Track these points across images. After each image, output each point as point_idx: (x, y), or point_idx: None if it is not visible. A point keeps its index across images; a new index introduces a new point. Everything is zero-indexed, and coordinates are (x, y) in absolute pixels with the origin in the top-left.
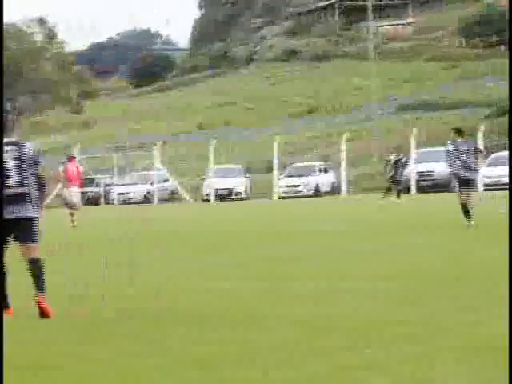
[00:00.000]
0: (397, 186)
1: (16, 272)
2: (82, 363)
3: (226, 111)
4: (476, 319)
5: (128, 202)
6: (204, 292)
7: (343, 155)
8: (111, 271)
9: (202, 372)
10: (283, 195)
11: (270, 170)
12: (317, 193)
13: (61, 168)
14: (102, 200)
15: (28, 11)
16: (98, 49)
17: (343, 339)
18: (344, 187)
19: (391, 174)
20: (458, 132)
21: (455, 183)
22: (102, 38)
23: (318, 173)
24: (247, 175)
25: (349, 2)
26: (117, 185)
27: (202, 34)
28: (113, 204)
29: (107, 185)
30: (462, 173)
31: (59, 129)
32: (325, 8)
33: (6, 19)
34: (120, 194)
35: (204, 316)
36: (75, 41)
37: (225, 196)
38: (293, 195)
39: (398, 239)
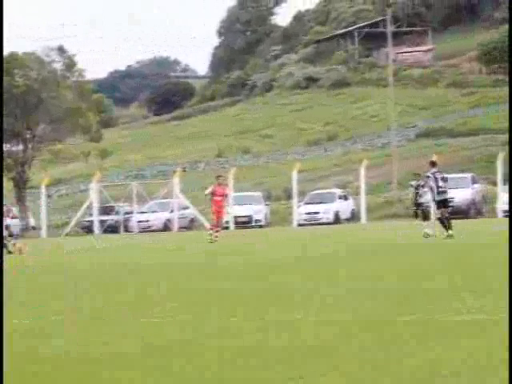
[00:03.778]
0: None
1: None
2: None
3: (245, 138)
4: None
5: (148, 230)
6: None
7: (362, 182)
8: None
9: None
10: (303, 222)
11: (289, 197)
12: (336, 220)
13: None
14: (121, 228)
15: (48, 40)
16: (117, 77)
17: None
18: (363, 214)
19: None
20: (433, 164)
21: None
22: (122, 65)
23: (337, 200)
24: (266, 202)
25: (368, 29)
26: (136, 212)
27: (222, 61)
28: (132, 232)
29: (127, 213)
30: (437, 197)
31: (79, 157)
32: (344, 35)
33: (26, 49)
34: (140, 221)
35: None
36: (95, 69)
37: (244, 223)
38: (313, 222)
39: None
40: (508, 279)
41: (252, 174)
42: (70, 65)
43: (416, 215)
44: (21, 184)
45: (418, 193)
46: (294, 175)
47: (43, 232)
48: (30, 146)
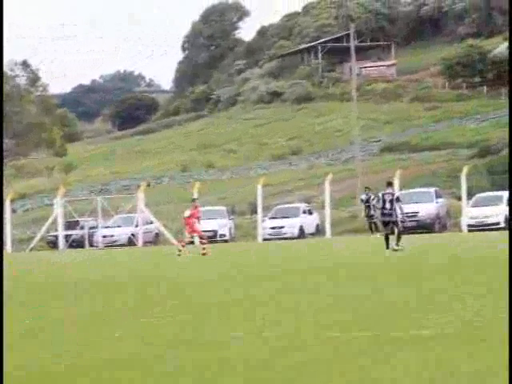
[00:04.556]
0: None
1: None
2: None
3: (210, 153)
4: None
5: (112, 245)
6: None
7: (327, 196)
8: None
9: None
10: (268, 237)
11: (253, 211)
12: (301, 234)
13: None
14: (86, 243)
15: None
16: (81, 91)
17: None
18: (328, 229)
19: (367, 212)
20: (389, 184)
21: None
22: (86, 80)
23: (302, 214)
24: (231, 217)
25: (331, 44)
26: (101, 227)
27: (185, 75)
28: (97, 247)
29: (91, 227)
30: (381, 218)
31: (43, 171)
32: (307, 50)
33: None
34: (104, 236)
35: None
36: (58, 83)
37: (209, 238)
38: (277, 237)
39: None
40: (508, 280)
41: (216, 189)
42: (34, 79)
43: (370, 228)
44: None
45: (368, 205)
46: (259, 189)
47: (8, 247)
48: None
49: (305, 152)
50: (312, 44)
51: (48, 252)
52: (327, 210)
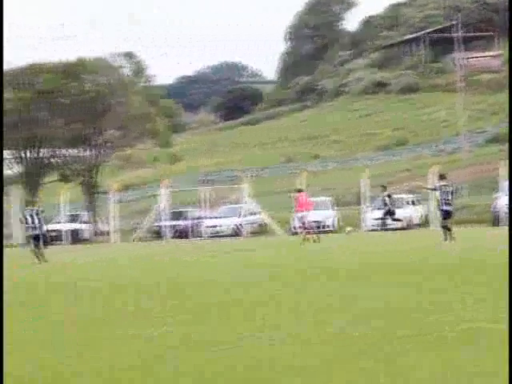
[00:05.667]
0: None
1: None
2: None
3: (314, 144)
4: None
5: (217, 235)
6: None
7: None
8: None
9: None
10: (372, 228)
11: (358, 202)
12: (407, 225)
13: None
14: (191, 233)
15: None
16: (186, 82)
17: None
18: (433, 220)
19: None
20: (442, 176)
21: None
22: (190, 71)
23: (407, 205)
24: (336, 208)
25: (437, 34)
26: (206, 218)
27: (290, 66)
28: (200, 237)
29: (196, 218)
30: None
31: (148, 162)
32: (412, 40)
33: (96, 54)
34: (209, 227)
35: None
36: (163, 74)
37: (313, 229)
38: (382, 228)
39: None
40: (508, 279)
41: (320, 180)
42: (139, 70)
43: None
44: (90, 189)
45: (385, 203)
46: (364, 180)
47: (113, 237)
48: (98, 151)
49: (410, 143)
50: (417, 34)
51: (151, 242)
52: (432, 202)
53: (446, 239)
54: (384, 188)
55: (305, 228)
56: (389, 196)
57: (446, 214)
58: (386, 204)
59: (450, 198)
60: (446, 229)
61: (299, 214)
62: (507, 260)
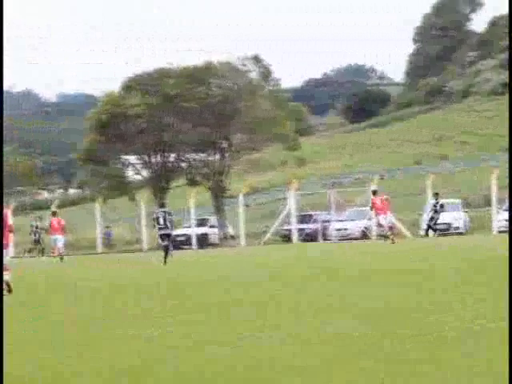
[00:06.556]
0: None
1: None
2: None
3: (443, 145)
4: None
5: (346, 238)
6: None
7: None
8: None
9: None
10: (503, 229)
11: (487, 203)
12: None
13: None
14: (320, 236)
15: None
16: (312, 85)
17: None
18: None
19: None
20: None
21: None
22: (317, 74)
23: None
24: (465, 209)
25: None
26: (334, 221)
27: (417, 68)
28: (330, 240)
29: (325, 221)
30: None
31: (276, 166)
32: None
33: (219, 58)
34: (338, 229)
35: None
36: (289, 77)
37: (443, 231)
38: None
39: None
40: (508, 279)
41: (449, 181)
42: (266, 74)
43: (426, 230)
44: (219, 193)
45: (435, 210)
46: (493, 182)
47: (242, 241)
48: (226, 155)
49: None
50: None
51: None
52: None
53: None
54: (436, 195)
55: (390, 228)
56: (441, 205)
57: None
58: (436, 211)
59: None
60: None
61: (380, 217)
62: None
